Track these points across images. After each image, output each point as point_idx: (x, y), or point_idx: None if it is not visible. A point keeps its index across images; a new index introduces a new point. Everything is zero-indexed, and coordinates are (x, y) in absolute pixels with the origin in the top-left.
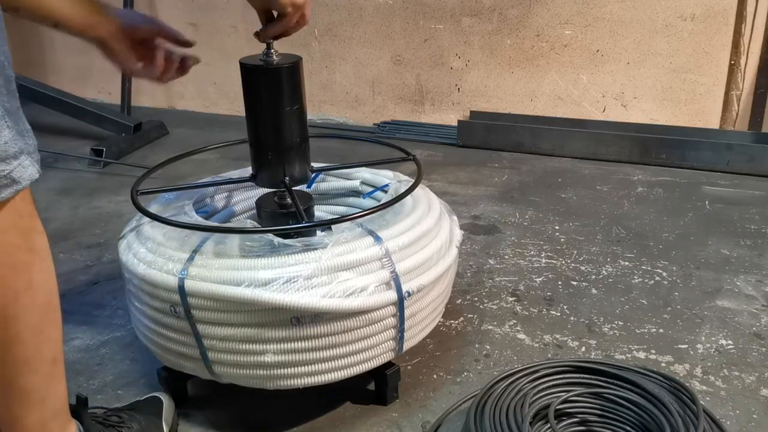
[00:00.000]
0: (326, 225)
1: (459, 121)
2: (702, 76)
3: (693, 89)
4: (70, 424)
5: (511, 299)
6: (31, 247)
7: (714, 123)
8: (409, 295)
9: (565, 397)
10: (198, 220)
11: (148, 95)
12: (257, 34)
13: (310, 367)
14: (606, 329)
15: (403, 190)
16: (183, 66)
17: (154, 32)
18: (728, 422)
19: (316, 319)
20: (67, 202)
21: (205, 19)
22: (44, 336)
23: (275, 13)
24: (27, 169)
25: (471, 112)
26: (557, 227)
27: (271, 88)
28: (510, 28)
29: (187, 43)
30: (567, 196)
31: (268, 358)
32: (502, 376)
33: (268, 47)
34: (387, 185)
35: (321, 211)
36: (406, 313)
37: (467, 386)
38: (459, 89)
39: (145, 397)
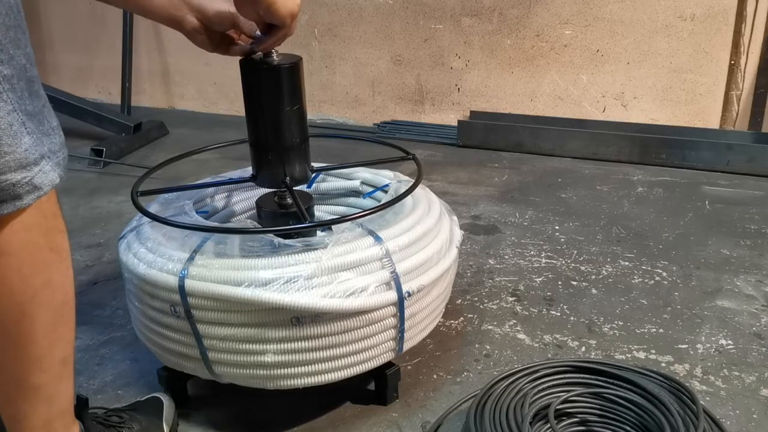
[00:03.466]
0: (326, 225)
1: (459, 121)
2: (702, 76)
3: (693, 89)
4: (74, 424)
5: (511, 299)
6: (53, 247)
7: (714, 123)
8: (410, 295)
9: (565, 397)
10: (198, 220)
11: (148, 95)
12: (252, 45)
13: (310, 367)
14: (606, 329)
15: (403, 190)
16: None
17: (228, 26)
18: (728, 422)
19: (317, 319)
20: (67, 202)
21: None
22: (57, 335)
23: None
24: (48, 174)
25: (471, 112)
26: (557, 227)
27: (271, 88)
28: (510, 28)
29: (251, 37)
30: (567, 196)
31: (268, 358)
32: (502, 376)
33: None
34: (387, 185)
35: (321, 211)
36: (406, 313)
37: (467, 386)
38: (459, 89)
39: (146, 397)
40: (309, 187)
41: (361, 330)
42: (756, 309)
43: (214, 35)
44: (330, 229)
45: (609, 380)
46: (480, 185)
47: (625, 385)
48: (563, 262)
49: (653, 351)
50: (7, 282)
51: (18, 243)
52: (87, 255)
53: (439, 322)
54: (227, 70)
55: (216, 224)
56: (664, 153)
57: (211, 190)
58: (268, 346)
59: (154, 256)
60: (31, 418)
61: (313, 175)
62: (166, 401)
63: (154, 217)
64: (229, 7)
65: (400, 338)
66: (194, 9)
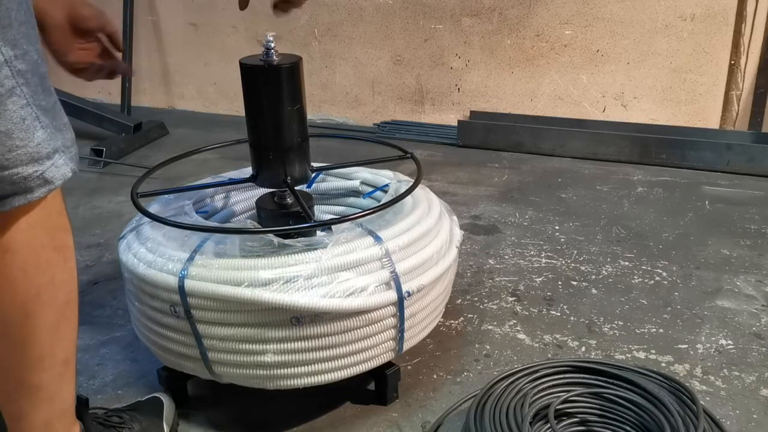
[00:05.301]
0: (326, 225)
1: (459, 121)
2: (702, 76)
3: (693, 89)
4: (74, 425)
5: (511, 299)
6: (57, 246)
7: (714, 123)
8: (409, 295)
9: (565, 397)
10: (198, 220)
11: (148, 95)
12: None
13: (310, 367)
14: (606, 329)
15: (403, 190)
16: (113, 70)
17: (100, 26)
18: (728, 422)
19: (316, 319)
20: (67, 202)
21: (205, 19)
22: (60, 335)
23: None
24: (60, 168)
25: (471, 112)
26: (557, 227)
27: (271, 88)
28: (510, 28)
29: (120, 49)
30: (567, 196)
31: (268, 358)
32: (502, 376)
33: (268, 47)
34: (387, 185)
35: (321, 211)
36: (406, 313)
37: (467, 386)
38: (459, 89)
39: (146, 397)
40: (309, 187)
41: (361, 330)
42: (756, 309)
43: (77, 33)
44: (330, 229)
45: (609, 380)
46: (480, 185)
47: (625, 385)
48: (563, 262)
49: (653, 351)
50: (11, 279)
51: (22, 240)
52: (87, 255)
53: (439, 322)
54: (227, 70)
55: (216, 224)
56: (664, 153)
57: (211, 190)
58: (267, 346)
59: (153, 256)
60: (32, 417)
61: (313, 174)
62: (166, 401)
63: (154, 218)
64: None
65: (400, 338)
66: (61, 1)
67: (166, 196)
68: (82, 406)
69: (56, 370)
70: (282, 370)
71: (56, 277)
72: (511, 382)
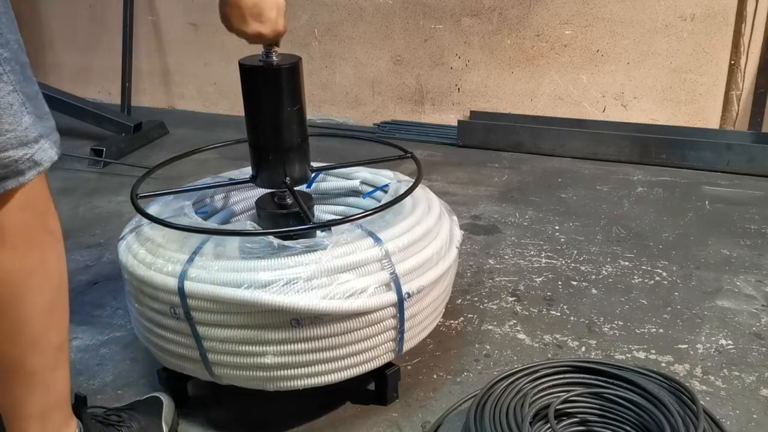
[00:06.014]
0: (326, 226)
1: (459, 121)
2: (702, 76)
3: (693, 89)
4: (71, 419)
5: (511, 299)
6: (48, 229)
7: (714, 123)
8: (409, 296)
9: (565, 397)
10: (198, 221)
11: (148, 95)
12: None
13: (310, 368)
14: (606, 329)
15: (403, 190)
16: None
17: None
18: (728, 422)
19: (316, 320)
20: (67, 202)
21: (205, 19)
22: (53, 318)
23: None
24: (47, 151)
25: (471, 112)
26: (557, 227)
27: (271, 88)
28: (510, 28)
29: None
30: (567, 196)
31: (268, 360)
32: (502, 376)
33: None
34: (387, 185)
35: (321, 211)
36: (406, 313)
37: (467, 386)
38: (459, 89)
39: (145, 397)
40: (309, 186)
41: (361, 331)
42: (756, 309)
43: None
44: (329, 229)
45: (609, 380)
46: (480, 185)
47: (625, 385)
48: (563, 262)
49: (653, 351)
50: (2, 259)
51: (14, 221)
52: (87, 255)
53: (439, 322)
54: (227, 70)
55: (215, 226)
56: (664, 153)
57: (210, 190)
58: (267, 348)
59: (153, 257)
60: (28, 406)
61: (313, 174)
62: (166, 401)
63: (153, 219)
64: None
65: (399, 339)
66: None
67: (167, 196)
68: (80, 403)
69: (50, 356)
70: (282, 372)
71: (48, 259)
72: (511, 382)
